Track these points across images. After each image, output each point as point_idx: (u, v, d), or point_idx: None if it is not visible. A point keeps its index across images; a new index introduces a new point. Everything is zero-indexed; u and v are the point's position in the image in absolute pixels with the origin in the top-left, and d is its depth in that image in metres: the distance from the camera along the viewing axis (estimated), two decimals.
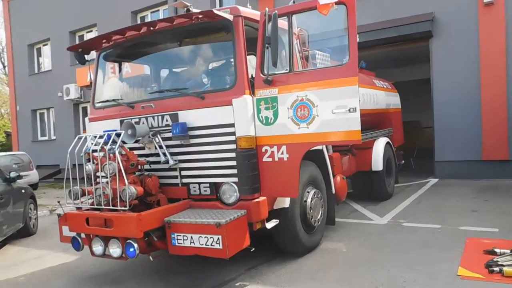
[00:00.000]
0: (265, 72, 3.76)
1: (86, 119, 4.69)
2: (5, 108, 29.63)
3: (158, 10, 14.11)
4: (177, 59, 4.57)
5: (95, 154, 3.85)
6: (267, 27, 3.67)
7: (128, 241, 3.45)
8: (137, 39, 4.33)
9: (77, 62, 4.51)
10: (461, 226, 5.10)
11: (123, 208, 3.50)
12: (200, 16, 3.80)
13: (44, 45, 17.55)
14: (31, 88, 17.44)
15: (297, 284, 3.70)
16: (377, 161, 6.68)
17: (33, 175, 12.69)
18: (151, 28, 4.11)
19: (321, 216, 4.62)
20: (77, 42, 15.33)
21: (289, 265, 4.18)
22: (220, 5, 12.60)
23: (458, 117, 8.75)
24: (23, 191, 6.58)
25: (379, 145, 6.87)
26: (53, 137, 17.18)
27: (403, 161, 8.63)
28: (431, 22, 8.85)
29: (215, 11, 3.72)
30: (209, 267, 4.29)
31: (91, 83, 4.80)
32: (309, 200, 4.38)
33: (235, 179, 3.77)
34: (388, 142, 7.26)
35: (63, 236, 4.04)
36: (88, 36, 15.70)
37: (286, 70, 3.79)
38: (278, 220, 4.02)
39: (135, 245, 3.42)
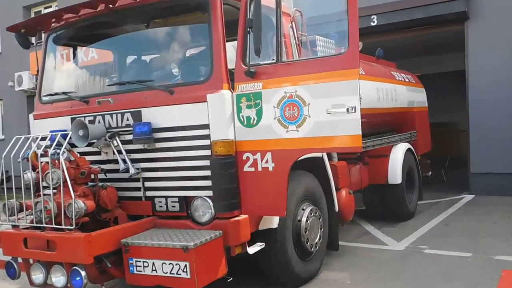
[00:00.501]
0: (247, 62, 3.81)
1: (31, 116, 4.76)
2: None
3: None
4: (142, 45, 4.65)
5: (38, 159, 3.89)
6: (249, 7, 3.73)
7: (74, 267, 3.49)
8: (95, 19, 4.39)
9: (20, 45, 4.59)
10: (497, 255, 5.14)
11: (68, 227, 3.54)
12: None
13: None
14: None
15: None
16: (395, 172, 6.72)
17: None
18: (110, 6, 4.18)
19: (319, 240, 4.65)
20: None
21: None
22: None
23: (501, 119, 8.75)
24: None
25: (398, 153, 6.91)
26: (1, 136, 17.27)
27: (430, 173, 8.64)
28: (467, 1, 8.90)
29: None
30: None
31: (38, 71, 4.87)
32: (304, 219, 4.42)
33: (210, 193, 3.82)
34: (409, 149, 7.30)
35: None
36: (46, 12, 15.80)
37: (273, 60, 3.84)
38: (264, 243, 4.06)
39: (83, 273, 3.46)
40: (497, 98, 8.79)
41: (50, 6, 15.83)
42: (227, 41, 3.93)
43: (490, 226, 6.53)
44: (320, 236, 4.66)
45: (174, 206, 3.98)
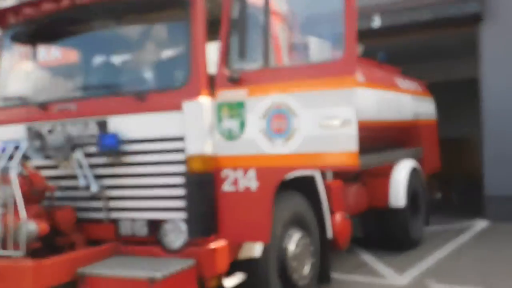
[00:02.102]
0: (230, 66, 3.81)
1: None
2: None
3: None
4: (112, 44, 4.62)
5: None
6: (236, 6, 3.73)
7: None
8: (58, 14, 4.36)
9: None
10: None
11: (16, 253, 3.45)
12: None
13: None
14: None
15: None
16: (398, 194, 6.70)
17: None
18: (77, 1, 4.16)
19: (309, 271, 4.59)
20: None
21: None
22: None
23: None
24: None
25: (402, 172, 6.91)
26: None
27: (439, 195, 8.64)
28: (481, 0, 8.98)
29: None
30: None
31: None
32: (291, 247, 4.35)
33: (183, 215, 3.78)
34: (415, 167, 7.31)
35: None
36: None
37: (259, 64, 3.84)
38: (243, 275, 4.00)
39: None
40: None
41: None
42: (208, 40, 3.92)
43: (507, 256, 6.54)
44: (309, 267, 4.60)
45: (141, 230, 3.94)
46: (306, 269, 4.55)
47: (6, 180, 3.61)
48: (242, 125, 3.75)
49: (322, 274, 4.91)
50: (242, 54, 3.63)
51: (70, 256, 3.68)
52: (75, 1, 4.17)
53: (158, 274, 3.34)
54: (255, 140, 3.71)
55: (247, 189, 3.74)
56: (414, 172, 7.24)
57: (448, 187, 10.44)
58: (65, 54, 4.93)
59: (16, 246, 3.49)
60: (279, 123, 3.64)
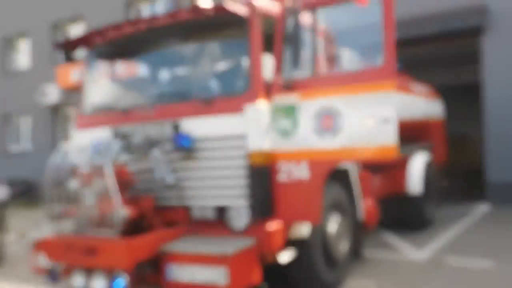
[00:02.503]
0: (284, 75, 3.85)
1: (72, 126, 4.80)
2: None
3: (155, 1, 14.43)
4: (180, 58, 4.71)
5: (81, 169, 3.92)
6: (288, 23, 3.76)
7: (115, 274, 3.47)
8: (135, 35, 4.46)
9: (64, 59, 4.67)
10: None
11: (111, 233, 3.56)
12: (209, 12, 3.92)
13: (20, 39, 17.98)
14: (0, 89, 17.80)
15: None
16: (414, 182, 6.67)
17: None
18: (152, 24, 4.23)
19: (345, 248, 4.62)
20: (60, 36, 15.73)
21: None
22: None
23: None
24: None
25: (417, 163, 6.86)
26: (26, 148, 17.42)
27: (447, 182, 8.55)
28: (483, 15, 8.84)
29: (228, 7, 3.81)
30: None
31: (77, 85, 4.93)
32: (332, 228, 4.39)
33: (245, 202, 3.83)
34: (427, 160, 7.25)
35: (37, 267, 4.04)
36: (73, 29, 16.06)
37: (309, 73, 3.88)
38: (294, 252, 4.05)
39: (124, 279, 3.44)
40: None
41: (77, 24, 16.05)
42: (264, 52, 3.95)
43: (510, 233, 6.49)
44: (345, 245, 4.63)
45: (209, 214, 4.00)
46: (343, 247, 4.58)
47: (101, 174, 3.72)
48: (295, 124, 3.80)
49: (355, 251, 4.95)
50: (295, 65, 3.67)
51: (153, 236, 3.78)
52: (150, 25, 4.25)
53: (228, 251, 3.41)
54: (306, 137, 3.76)
55: (301, 179, 3.78)
56: (427, 164, 7.20)
57: (454, 175, 10.36)
58: (141, 67, 5.02)
59: (110, 227, 3.61)
60: (327, 122, 3.68)
